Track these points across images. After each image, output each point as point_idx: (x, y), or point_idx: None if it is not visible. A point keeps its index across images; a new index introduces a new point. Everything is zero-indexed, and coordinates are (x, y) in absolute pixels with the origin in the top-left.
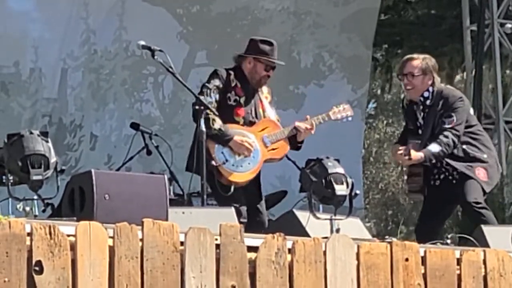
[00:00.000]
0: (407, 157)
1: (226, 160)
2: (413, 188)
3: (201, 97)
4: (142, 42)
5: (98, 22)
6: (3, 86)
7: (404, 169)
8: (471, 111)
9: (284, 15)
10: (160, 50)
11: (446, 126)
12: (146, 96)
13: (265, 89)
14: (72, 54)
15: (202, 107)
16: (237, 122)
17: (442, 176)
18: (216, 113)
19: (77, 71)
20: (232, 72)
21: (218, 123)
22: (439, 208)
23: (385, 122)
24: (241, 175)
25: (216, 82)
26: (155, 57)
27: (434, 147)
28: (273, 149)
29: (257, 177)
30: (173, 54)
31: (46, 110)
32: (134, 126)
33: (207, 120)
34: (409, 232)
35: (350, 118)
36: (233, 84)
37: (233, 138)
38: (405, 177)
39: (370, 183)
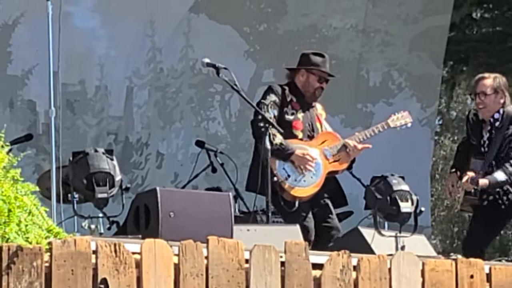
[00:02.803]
0: (474, 186)
1: (289, 176)
2: (465, 207)
3: (260, 117)
4: (207, 60)
5: (164, 40)
6: (68, 104)
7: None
8: None
9: (353, 33)
10: (225, 68)
11: None
12: (213, 115)
13: (318, 106)
14: (138, 72)
15: (266, 124)
16: (296, 136)
17: (491, 198)
18: (278, 128)
19: (143, 89)
20: (286, 88)
21: (279, 138)
22: (485, 227)
23: (450, 139)
24: (304, 189)
25: (273, 97)
26: (220, 74)
27: (500, 176)
28: (335, 161)
29: (325, 190)
30: (240, 72)
31: (112, 128)
32: (199, 144)
33: (267, 137)
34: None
35: (409, 125)
36: (288, 99)
37: (295, 152)
38: (461, 194)
39: (435, 200)
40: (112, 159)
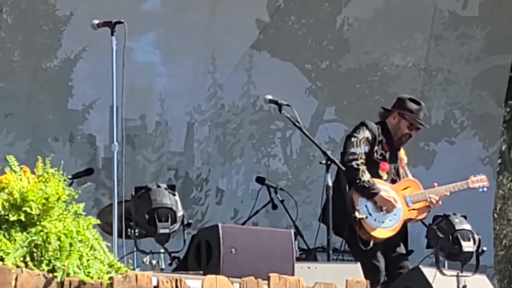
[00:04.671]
0: None
1: (370, 214)
2: None
3: (351, 149)
4: (269, 97)
5: (225, 77)
6: (129, 139)
7: None
8: None
9: (415, 72)
10: (287, 105)
11: None
12: (274, 151)
13: (401, 151)
14: (199, 108)
15: (329, 162)
16: (381, 177)
17: None
18: (364, 165)
19: (203, 125)
20: (379, 126)
21: (367, 176)
22: None
23: (509, 178)
24: (382, 231)
25: (366, 133)
26: (282, 111)
27: None
28: (414, 209)
29: (401, 236)
30: (302, 109)
31: (172, 164)
32: (260, 180)
33: (357, 171)
34: None
35: (485, 189)
36: (380, 138)
37: (379, 193)
38: None
39: (493, 240)
40: (174, 195)
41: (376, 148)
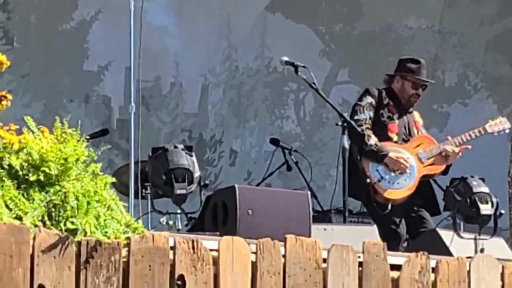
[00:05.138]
0: None
1: (382, 178)
2: None
3: (355, 117)
4: (286, 58)
5: (240, 39)
6: (143, 101)
7: None
8: None
9: (429, 34)
10: (304, 66)
11: None
12: (287, 113)
13: (416, 113)
14: (213, 71)
15: (345, 124)
16: (391, 139)
17: None
18: (369, 130)
19: (218, 87)
20: (383, 91)
21: (373, 139)
22: None
23: None
24: (397, 192)
25: (369, 99)
26: (299, 73)
27: None
28: (429, 165)
29: (419, 194)
30: (315, 71)
31: (186, 125)
32: (274, 141)
33: (362, 136)
34: None
35: (507, 131)
36: (385, 102)
37: (388, 155)
38: None
39: (508, 203)
40: (191, 155)
41: (382, 111)
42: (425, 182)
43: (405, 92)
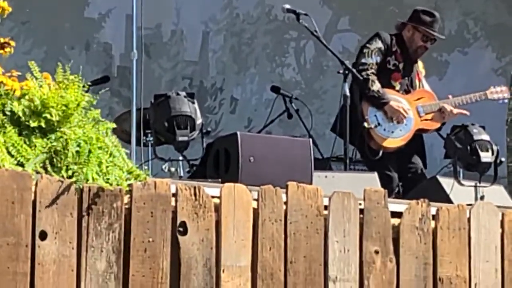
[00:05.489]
0: None
1: (379, 124)
2: None
3: (362, 60)
4: (287, 6)
5: None
6: (144, 48)
7: None
8: None
9: None
10: (305, 14)
11: None
12: (288, 61)
13: (420, 63)
14: (214, 18)
15: (346, 72)
16: (393, 87)
17: None
18: (374, 75)
19: (218, 35)
20: (394, 38)
21: (377, 85)
22: None
23: None
24: (392, 140)
25: (379, 44)
26: (300, 20)
27: None
28: (426, 120)
29: (411, 147)
30: (316, 19)
31: (186, 73)
32: (275, 89)
33: (366, 81)
34: None
35: (506, 101)
36: (394, 49)
37: (389, 103)
38: None
39: (506, 151)
40: (193, 103)
41: (389, 58)
42: (417, 136)
43: (414, 42)
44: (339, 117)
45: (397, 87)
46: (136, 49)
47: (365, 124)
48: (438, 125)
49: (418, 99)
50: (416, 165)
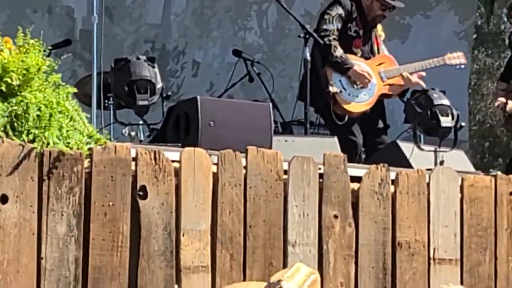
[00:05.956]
0: (502, 112)
1: (344, 89)
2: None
3: (323, 26)
4: None
5: None
6: (106, 11)
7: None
8: None
9: None
10: None
11: None
12: (250, 24)
13: (379, 27)
14: None
15: (307, 36)
16: (355, 54)
17: None
18: (336, 41)
19: None
20: (354, 3)
21: (339, 51)
22: None
23: (484, 53)
24: (356, 105)
25: (339, 10)
26: None
27: None
28: (388, 85)
29: (378, 112)
30: None
31: (149, 36)
32: (237, 53)
33: (328, 47)
34: (505, 165)
35: (463, 66)
36: (354, 15)
37: (353, 67)
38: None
39: (468, 115)
40: (153, 67)
41: (350, 25)
42: (378, 101)
43: (373, 11)
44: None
45: (358, 54)
46: (97, 13)
47: (330, 89)
48: (399, 90)
49: (380, 64)
50: (380, 129)
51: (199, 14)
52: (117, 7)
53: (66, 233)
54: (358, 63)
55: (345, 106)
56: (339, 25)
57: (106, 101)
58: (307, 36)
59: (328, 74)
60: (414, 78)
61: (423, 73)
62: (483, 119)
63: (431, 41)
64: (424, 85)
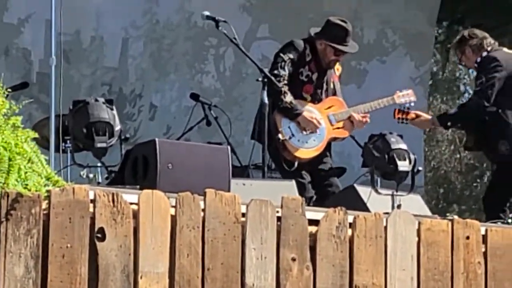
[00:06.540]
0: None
1: (293, 135)
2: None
3: (275, 71)
4: (207, 13)
5: None
6: (64, 54)
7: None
8: None
9: None
10: (225, 21)
11: None
12: (207, 68)
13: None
14: (134, 24)
15: (265, 80)
16: (304, 99)
17: None
18: (286, 86)
19: (138, 41)
20: (308, 46)
21: (289, 97)
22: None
23: (439, 99)
24: (306, 151)
25: (291, 54)
26: (220, 27)
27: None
28: (338, 128)
29: (325, 153)
30: (235, 27)
31: (106, 79)
32: (194, 96)
33: (278, 93)
34: (461, 211)
35: (412, 104)
36: (307, 59)
37: (302, 114)
38: None
39: (424, 161)
40: (112, 109)
41: (301, 69)
42: (328, 145)
43: (326, 57)
44: (257, 123)
45: (308, 99)
46: (55, 55)
47: (280, 136)
48: (348, 133)
49: (329, 107)
50: (327, 171)
51: (156, 57)
52: (74, 50)
53: (23, 275)
54: (307, 109)
55: (295, 153)
56: (291, 70)
57: (63, 144)
58: (265, 79)
59: (277, 120)
60: (365, 119)
61: (371, 109)
62: (437, 165)
63: (387, 86)
64: (368, 120)
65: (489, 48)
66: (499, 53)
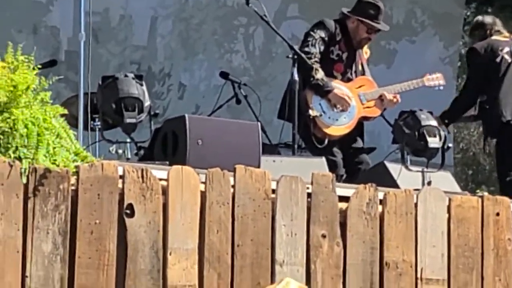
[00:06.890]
0: None
1: (324, 112)
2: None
3: (306, 49)
4: None
5: None
6: (92, 32)
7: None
8: None
9: None
10: None
11: None
12: (236, 47)
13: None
14: (162, 3)
15: (295, 57)
16: (335, 77)
17: None
18: (318, 63)
19: (167, 20)
20: (338, 26)
21: (320, 74)
22: None
23: None
24: (336, 128)
25: (322, 33)
26: (250, 4)
27: None
28: (368, 107)
29: (357, 132)
30: (265, 6)
31: (135, 58)
32: (224, 75)
33: (310, 70)
34: (489, 192)
35: (441, 88)
36: (338, 38)
37: (333, 91)
38: None
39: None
40: (141, 85)
41: (332, 48)
42: (359, 124)
43: (358, 34)
44: (286, 102)
45: (339, 78)
46: (84, 31)
47: (310, 112)
48: (378, 112)
49: (360, 86)
50: (359, 149)
51: (185, 37)
52: (103, 29)
53: (51, 251)
54: (338, 86)
55: (325, 130)
56: (321, 48)
57: (92, 122)
58: (295, 56)
59: (308, 97)
60: (395, 99)
61: (401, 90)
62: (466, 147)
63: (416, 66)
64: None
65: (491, 36)
66: (487, 41)
